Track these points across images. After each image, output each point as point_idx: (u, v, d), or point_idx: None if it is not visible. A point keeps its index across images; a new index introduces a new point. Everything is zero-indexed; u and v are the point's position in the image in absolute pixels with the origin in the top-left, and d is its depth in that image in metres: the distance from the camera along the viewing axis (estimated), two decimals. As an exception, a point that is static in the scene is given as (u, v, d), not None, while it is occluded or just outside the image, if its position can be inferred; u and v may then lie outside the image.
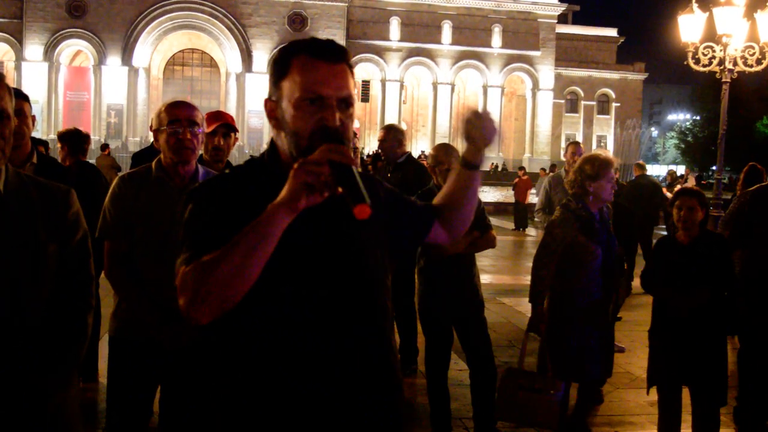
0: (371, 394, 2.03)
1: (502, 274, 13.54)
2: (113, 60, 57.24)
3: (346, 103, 1.96)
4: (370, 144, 55.47)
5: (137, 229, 3.46)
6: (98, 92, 57.49)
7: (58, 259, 2.33)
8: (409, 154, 7.24)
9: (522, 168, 27.66)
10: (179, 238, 1.97)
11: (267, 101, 2.04)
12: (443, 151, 5.40)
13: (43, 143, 8.56)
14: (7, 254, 2.21)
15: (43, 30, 56.21)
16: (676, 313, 4.67)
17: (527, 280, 5.28)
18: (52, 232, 2.32)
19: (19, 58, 56.41)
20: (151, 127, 3.72)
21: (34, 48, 56.19)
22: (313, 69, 1.93)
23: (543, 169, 21.68)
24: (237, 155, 45.05)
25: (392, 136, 7.06)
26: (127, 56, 57.34)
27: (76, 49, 58.54)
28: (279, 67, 1.99)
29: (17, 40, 56.23)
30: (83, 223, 2.45)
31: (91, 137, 50.87)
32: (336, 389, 1.95)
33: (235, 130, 4.77)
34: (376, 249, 2.11)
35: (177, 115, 3.48)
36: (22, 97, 3.86)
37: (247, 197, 1.89)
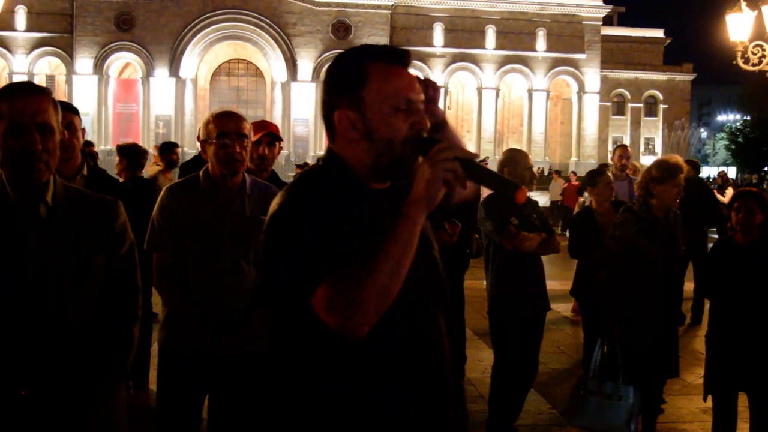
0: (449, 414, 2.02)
1: (552, 280, 13.43)
2: (161, 72, 58.03)
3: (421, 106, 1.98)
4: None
5: (185, 240, 3.49)
6: (147, 103, 58.31)
7: (105, 270, 2.37)
8: None
9: (573, 172, 27.40)
10: (261, 258, 1.95)
11: (343, 112, 1.93)
12: (518, 152, 5.81)
13: (91, 155, 8.71)
14: (55, 265, 2.26)
15: (92, 44, 57.21)
16: (734, 315, 4.59)
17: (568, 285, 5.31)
18: (99, 243, 2.36)
19: (70, 71, 57.46)
20: (198, 138, 3.73)
21: (84, 61, 57.22)
22: (396, 75, 1.94)
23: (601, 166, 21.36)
24: (283, 163, 45.36)
25: None
26: (174, 68, 58.09)
27: (124, 61, 59.46)
28: (352, 77, 1.93)
29: (68, 54, 57.30)
30: (130, 234, 2.49)
31: (140, 148, 51.99)
32: (415, 412, 1.92)
33: (280, 140, 4.79)
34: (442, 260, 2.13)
35: (226, 127, 3.48)
36: (72, 111, 3.94)
37: (343, 212, 1.83)
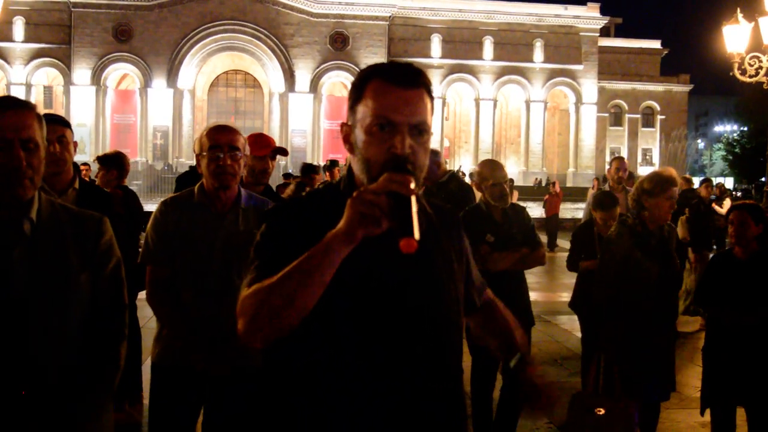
0: None
1: (551, 291, 13.42)
2: (159, 82, 58.12)
3: (419, 129, 1.89)
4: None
5: (178, 254, 3.46)
6: (144, 114, 58.38)
7: (90, 288, 2.33)
8: (452, 173, 7.23)
9: (553, 183, 26.84)
10: (249, 257, 1.93)
11: (343, 125, 1.98)
12: (488, 167, 5.39)
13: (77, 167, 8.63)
14: (40, 283, 2.22)
15: (90, 55, 57.30)
16: (732, 329, 4.56)
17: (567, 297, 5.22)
18: (85, 260, 2.32)
19: (68, 82, 57.56)
20: (194, 151, 3.72)
21: (81, 72, 57.31)
22: (385, 94, 1.87)
23: (597, 178, 20.70)
24: (276, 175, 45.41)
25: (430, 160, 7.05)
26: (172, 78, 58.18)
27: (122, 72, 59.56)
28: (355, 92, 1.93)
29: (65, 65, 57.41)
30: (116, 250, 2.45)
31: (139, 159, 51.89)
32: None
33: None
34: (452, 283, 2.03)
35: (217, 140, 3.47)
36: (63, 124, 3.90)
37: (320, 223, 1.80)
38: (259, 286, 1.76)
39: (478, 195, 5.79)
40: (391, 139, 1.85)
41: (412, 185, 1.71)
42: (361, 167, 1.91)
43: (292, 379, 1.91)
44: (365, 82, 1.92)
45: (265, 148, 4.63)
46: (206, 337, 3.35)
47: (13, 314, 2.19)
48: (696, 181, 16.41)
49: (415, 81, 1.91)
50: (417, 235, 1.63)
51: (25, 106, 2.28)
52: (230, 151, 3.46)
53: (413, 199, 1.69)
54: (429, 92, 1.95)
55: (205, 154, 3.47)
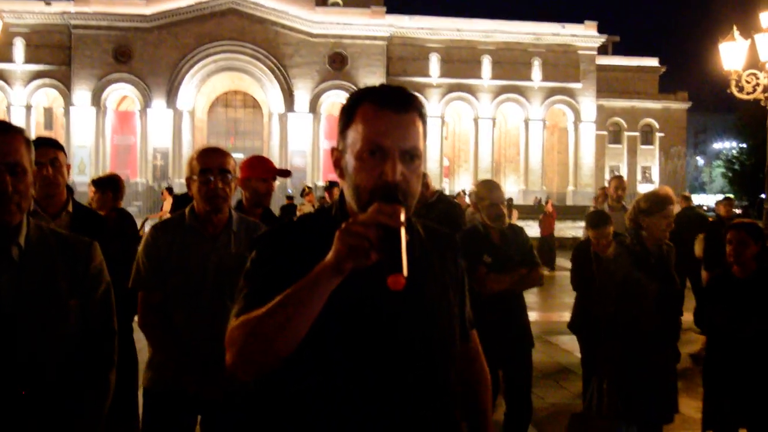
0: None
1: (549, 311, 13.35)
2: (158, 103, 58.25)
3: (411, 155, 1.84)
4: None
5: (170, 278, 3.44)
6: (144, 135, 58.47)
7: (79, 314, 2.30)
8: (440, 193, 7.35)
9: (541, 202, 26.27)
10: (239, 286, 1.89)
11: (333, 150, 1.94)
12: (485, 187, 5.36)
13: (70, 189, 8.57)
14: (28, 309, 2.19)
15: (90, 76, 57.49)
16: (731, 350, 4.52)
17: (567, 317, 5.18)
18: (74, 286, 2.29)
19: (68, 103, 57.70)
20: (185, 174, 3.70)
21: (81, 93, 57.46)
22: (375, 119, 1.83)
23: (603, 188, 20.18)
24: (277, 194, 45.38)
25: None
26: (171, 99, 58.32)
27: (122, 93, 59.72)
28: (345, 116, 1.89)
29: (66, 86, 57.57)
30: (106, 276, 2.42)
31: (139, 180, 51.92)
32: None
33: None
34: (446, 308, 1.99)
35: (208, 164, 3.45)
36: (56, 147, 3.88)
37: (311, 251, 1.76)
38: (247, 317, 1.72)
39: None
40: (382, 166, 1.80)
41: (402, 216, 1.67)
42: (351, 193, 1.87)
43: (282, 404, 1.88)
44: (355, 106, 1.88)
45: (269, 170, 4.63)
46: (198, 360, 3.32)
47: (0, 340, 2.16)
48: (695, 199, 16.34)
49: (407, 105, 1.87)
50: (405, 271, 1.59)
51: (12, 130, 2.25)
52: (221, 174, 3.44)
53: (403, 230, 1.65)
54: (421, 116, 1.90)
55: (195, 177, 3.45)
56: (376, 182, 1.79)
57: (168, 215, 16.43)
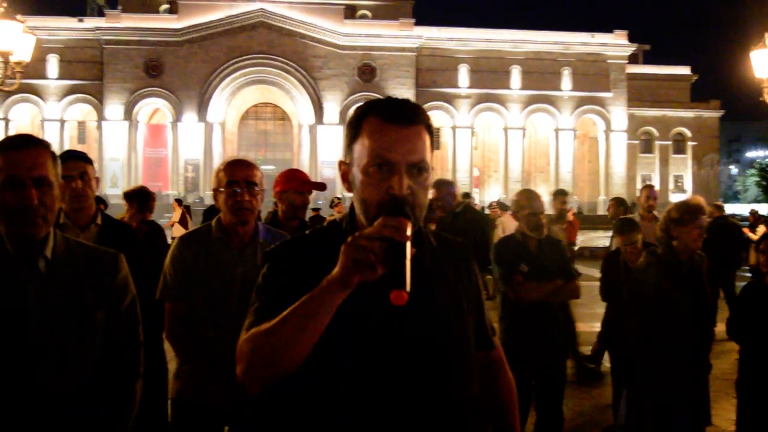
0: None
1: (579, 321, 13.21)
2: (189, 116, 58.74)
3: (418, 168, 1.84)
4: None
5: (196, 289, 3.45)
6: (175, 148, 58.96)
7: (106, 325, 2.32)
8: (467, 204, 7.37)
9: (561, 209, 26.02)
10: (252, 298, 1.91)
11: (341, 163, 1.95)
12: (525, 196, 5.39)
13: (101, 200, 8.72)
14: (54, 321, 2.21)
15: (122, 90, 58.16)
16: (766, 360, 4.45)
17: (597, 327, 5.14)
18: (100, 298, 2.31)
19: (101, 117, 58.37)
20: (212, 186, 3.73)
21: (114, 107, 58.13)
22: (381, 132, 1.82)
23: (629, 207, 19.78)
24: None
25: (444, 190, 7.28)
26: (202, 112, 58.79)
27: (153, 107, 60.34)
28: (352, 129, 1.90)
29: (98, 100, 58.26)
30: (132, 287, 2.43)
31: (171, 192, 52.31)
32: None
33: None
34: (459, 317, 1.98)
35: (235, 176, 3.47)
36: (85, 160, 3.93)
37: (322, 264, 1.76)
38: (257, 331, 1.74)
39: (512, 224, 5.75)
40: (389, 180, 1.80)
41: (408, 230, 1.66)
42: (359, 207, 1.88)
43: (288, 415, 1.89)
44: (362, 120, 1.88)
45: (306, 183, 4.66)
46: (224, 371, 3.32)
47: (28, 351, 2.18)
48: (728, 208, 16.15)
49: (413, 117, 1.87)
50: (408, 286, 1.59)
51: (39, 144, 2.28)
52: (248, 187, 3.45)
53: (408, 245, 1.64)
54: (428, 128, 1.90)
55: (222, 189, 3.47)
56: (383, 196, 1.78)
57: (178, 225, 16.45)
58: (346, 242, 1.66)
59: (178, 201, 20.24)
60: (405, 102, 1.89)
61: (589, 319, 12.08)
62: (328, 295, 1.67)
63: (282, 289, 1.81)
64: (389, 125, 1.83)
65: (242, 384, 1.77)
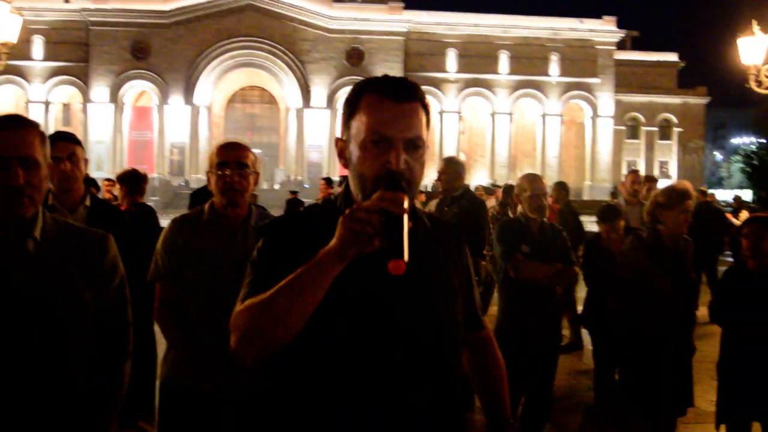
0: None
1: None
2: (176, 99, 58.41)
3: (414, 144, 1.87)
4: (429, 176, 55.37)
5: (187, 272, 3.45)
6: (161, 131, 58.65)
7: (94, 305, 2.33)
8: (467, 188, 7.17)
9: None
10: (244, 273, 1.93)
11: (338, 140, 1.98)
12: (528, 179, 5.47)
13: (93, 182, 8.69)
14: (43, 302, 2.22)
15: (108, 72, 57.74)
16: (746, 343, 4.51)
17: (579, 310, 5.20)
18: (89, 278, 2.32)
19: (86, 100, 57.97)
20: (206, 169, 3.73)
21: (100, 90, 57.72)
22: (379, 108, 1.86)
23: (613, 193, 19.94)
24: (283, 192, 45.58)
25: (452, 168, 6.98)
26: (189, 95, 58.45)
27: (140, 89, 59.92)
28: (349, 106, 1.93)
29: (84, 82, 57.82)
30: (120, 268, 2.45)
31: (156, 175, 52.12)
32: None
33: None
34: (450, 296, 2.01)
35: (225, 157, 3.47)
36: (74, 141, 3.92)
37: (315, 239, 1.78)
38: (252, 302, 1.75)
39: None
40: (386, 155, 1.83)
41: (405, 203, 1.70)
42: (355, 183, 1.90)
43: (282, 390, 1.92)
44: (359, 97, 1.91)
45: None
46: (215, 354, 3.34)
47: (17, 331, 2.19)
48: (714, 194, 16.30)
49: (410, 94, 1.90)
50: (406, 256, 1.63)
51: (27, 124, 2.28)
52: (238, 168, 3.45)
53: (405, 217, 1.68)
54: (424, 106, 1.93)
55: (213, 170, 3.47)
56: (380, 171, 1.81)
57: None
58: (344, 214, 1.69)
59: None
60: (402, 80, 1.93)
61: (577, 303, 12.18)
62: (324, 267, 1.69)
63: (276, 264, 1.83)
64: (387, 102, 1.87)
65: (232, 355, 1.77)
